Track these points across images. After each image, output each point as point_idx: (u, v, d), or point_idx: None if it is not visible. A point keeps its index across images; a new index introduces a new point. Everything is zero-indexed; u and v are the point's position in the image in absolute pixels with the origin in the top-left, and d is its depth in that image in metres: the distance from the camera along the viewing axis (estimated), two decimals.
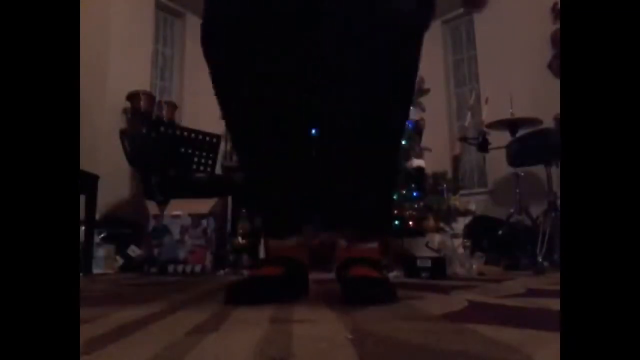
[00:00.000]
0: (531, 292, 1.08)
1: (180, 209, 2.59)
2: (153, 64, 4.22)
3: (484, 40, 4.43)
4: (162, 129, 3.19)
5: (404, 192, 2.49)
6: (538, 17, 3.91)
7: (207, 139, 3.20)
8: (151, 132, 3.15)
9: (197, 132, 3.17)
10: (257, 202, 1.13)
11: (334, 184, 1.04)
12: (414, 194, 2.51)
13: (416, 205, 2.47)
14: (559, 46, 3.60)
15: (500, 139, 3.04)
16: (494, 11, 4.27)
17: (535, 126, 3.04)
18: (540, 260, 2.24)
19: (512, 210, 2.91)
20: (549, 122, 3.01)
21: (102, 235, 2.94)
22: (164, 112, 3.69)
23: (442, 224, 2.52)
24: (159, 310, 0.77)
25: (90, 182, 2.51)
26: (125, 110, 3.71)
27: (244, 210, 2.77)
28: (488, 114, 3.26)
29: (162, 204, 2.68)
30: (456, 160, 3.32)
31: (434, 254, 2.07)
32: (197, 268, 2.47)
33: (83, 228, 2.46)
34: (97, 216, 2.69)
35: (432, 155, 2.85)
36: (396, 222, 2.38)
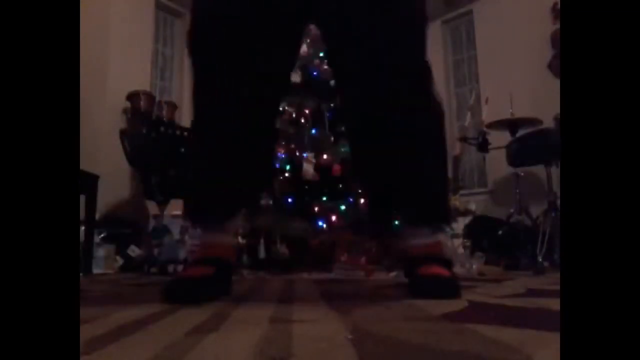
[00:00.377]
0: (531, 292, 1.08)
1: (180, 209, 2.59)
2: (153, 64, 4.22)
3: (484, 40, 4.43)
4: (162, 129, 3.19)
5: None
6: (538, 17, 3.91)
7: None
8: (151, 132, 3.15)
9: None
10: (202, 180, 1.09)
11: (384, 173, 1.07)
12: None
13: None
14: (559, 46, 3.60)
15: (500, 139, 3.04)
16: (494, 11, 4.28)
17: (535, 126, 3.04)
18: (540, 260, 2.23)
19: (512, 210, 2.91)
20: (549, 122, 3.01)
21: (102, 235, 2.94)
22: (164, 112, 3.69)
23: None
24: (159, 310, 0.77)
25: (90, 182, 2.51)
26: (125, 110, 3.71)
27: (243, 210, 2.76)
28: (488, 114, 3.26)
29: (162, 204, 2.68)
30: (456, 160, 3.32)
31: None
32: None
33: (83, 228, 2.46)
34: (97, 216, 2.69)
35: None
36: (396, 222, 2.38)
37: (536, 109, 3.25)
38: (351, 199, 2.71)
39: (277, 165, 2.81)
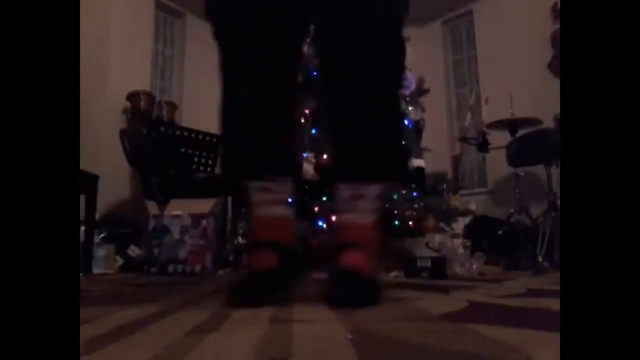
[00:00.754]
0: (531, 292, 1.08)
1: (180, 209, 2.59)
2: (153, 64, 4.21)
3: (484, 40, 4.43)
4: (162, 129, 3.19)
5: (404, 192, 2.48)
6: (538, 17, 3.91)
7: (207, 139, 3.20)
8: (151, 132, 3.15)
9: (197, 132, 3.17)
10: (238, 143, 1.05)
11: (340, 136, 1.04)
12: (414, 194, 2.51)
13: (416, 205, 2.47)
14: (559, 46, 3.60)
15: (500, 139, 3.04)
16: (494, 11, 4.28)
17: (535, 126, 3.04)
18: (540, 260, 2.23)
19: (512, 210, 2.91)
20: (549, 122, 3.01)
21: (102, 235, 2.94)
22: (164, 112, 3.69)
23: (442, 224, 2.52)
24: (159, 310, 0.77)
25: (90, 182, 2.51)
26: (125, 110, 3.71)
27: (243, 210, 2.77)
28: (488, 114, 3.26)
29: (162, 204, 2.68)
30: (456, 160, 3.32)
31: (434, 254, 2.07)
32: (197, 268, 2.47)
33: (83, 228, 2.46)
34: (97, 216, 2.69)
35: (432, 155, 2.85)
36: (396, 222, 2.38)
37: (536, 109, 3.25)
38: None
39: None
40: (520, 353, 0.42)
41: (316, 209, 2.67)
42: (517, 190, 2.85)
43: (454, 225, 2.63)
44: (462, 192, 2.95)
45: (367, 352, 0.44)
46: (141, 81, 3.86)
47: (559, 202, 2.48)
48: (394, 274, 2.02)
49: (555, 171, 2.59)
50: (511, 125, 3.12)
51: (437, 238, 2.29)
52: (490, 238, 2.83)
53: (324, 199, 2.72)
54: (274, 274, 0.92)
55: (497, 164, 3.45)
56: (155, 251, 2.55)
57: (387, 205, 2.39)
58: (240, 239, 2.69)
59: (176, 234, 2.56)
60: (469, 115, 3.54)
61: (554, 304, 0.79)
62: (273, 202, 1.01)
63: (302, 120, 2.90)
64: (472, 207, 2.92)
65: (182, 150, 3.10)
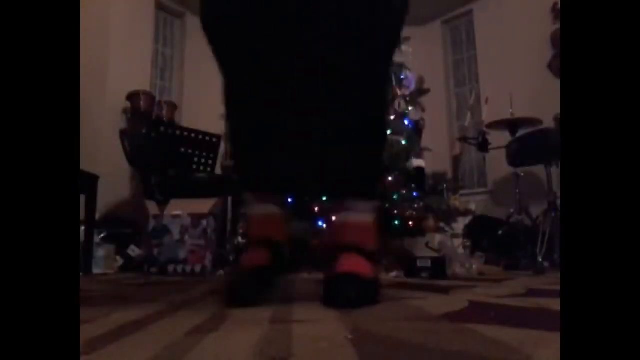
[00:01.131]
0: (531, 292, 1.08)
1: (180, 209, 2.59)
2: (153, 64, 4.22)
3: (484, 40, 4.43)
4: (162, 129, 3.19)
5: (404, 192, 2.48)
6: (538, 17, 3.91)
7: (207, 139, 3.20)
8: (151, 132, 3.15)
9: (197, 132, 3.17)
10: (247, 155, 1.08)
11: (323, 148, 1.02)
12: (414, 194, 2.51)
13: (416, 205, 2.47)
14: (559, 46, 3.60)
15: (500, 139, 3.04)
16: (494, 11, 4.29)
17: (535, 126, 3.04)
18: (540, 260, 2.24)
19: (512, 210, 2.91)
20: (549, 122, 3.01)
21: (102, 235, 2.94)
22: (164, 112, 3.69)
23: (442, 224, 2.52)
24: (159, 310, 0.77)
25: (90, 182, 2.51)
26: (125, 110, 3.71)
27: (243, 210, 2.77)
28: (488, 114, 3.27)
29: (162, 204, 2.68)
30: (456, 160, 3.32)
31: (434, 254, 2.07)
32: (197, 268, 2.47)
33: (83, 228, 2.46)
34: (97, 216, 2.69)
35: (432, 155, 2.85)
36: (396, 222, 2.38)
37: (536, 109, 3.25)
38: None
39: None
40: (520, 353, 0.42)
41: (316, 209, 2.67)
42: (517, 190, 2.85)
43: (454, 225, 2.63)
44: (462, 192, 2.95)
45: (367, 352, 0.44)
46: (141, 81, 3.86)
47: (559, 202, 2.48)
48: (394, 274, 2.02)
49: (555, 171, 2.59)
50: (511, 125, 3.12)
51: (437, 238, 2.29)
52: (490, 238, 2.84)
53: (324, 199, 2.72)
54: (264, 271, 0.94)
55: (497, 164, 3.45)
56: (155, 251, 2.56)
57: (387, 205, 2.39)
58: (240, 239, 2.70)
59: (176, 234, 2.56)
60: (469, 115, 3.55)
61: (554, 304, 0.79)
62: (264, 200, 1.04)
63: None
64: (472, 207, 2.92)
65: (182, 150, 3.10)
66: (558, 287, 1.13)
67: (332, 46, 1.01)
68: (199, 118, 3.68)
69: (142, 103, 3.61)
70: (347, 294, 0.81)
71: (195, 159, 3.16)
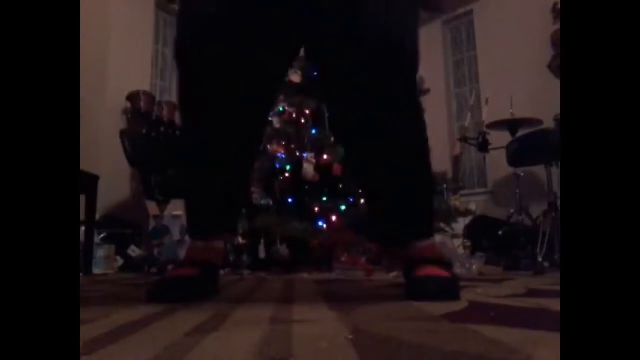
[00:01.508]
0: (531, 292, 1.08)
1: (180, 209, 2.59)
2: (153, 64, 4.22)
3: (484, 40, 4.43)
4: (162, 129, 3.19)
5: None
6: (538, 17, 3.91)
7: None
8: (151, 132, 3.15)
9: None
10: (192, 199, 1.14)
11: (375, 198, 1.11)
12: None
13: None
14: (559, 46, 3.60)
15: (500, 139, 3.04)
16: (494, 11, 4.29)
17: (535, 126, 3.04)
18: (540, 260, 2.24)
19: (512, 210, 2.91)
20: (549, 122, 3.01)
21: (102, 235, 2.94)
22: (164, 112, 3.69)
23: (442, 224, 2.52)
24: (159, 310, 0.77)
25: (90, 182, 2.51)
26: (125, 110, 3.71)
27: (243, 211, 2.77)
28: (488, 114, 3.27)
29: (162, 204, 2.68)
30: (456, 160, 3.33)
31: None
32: None
33: (83, 228, 2.46)
34: (97, 216, 2.69)
35: (432, 155, 2.84)
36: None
37: (536, 109, 3.25)
38: (351, 199, 2.71)
39: (277, 165, 2.81)
40: (520, 353, 0.42)
41: (316, 209, 2.67)
42: (517, 190, 2.85)
43: (454, 225, 2.63)
44: (462, 192, 2.96)
45: (367, 352, 0.44)
46: (141, 81, 3.86)
47: (559, 202, 2.48)
48: (394, 274, 2.02)
49: (555, 171, 2.59)
50: (511, 125, 3.12)
51: (437, 238, 2.29)
52: (490, 238, 2.83)
53: (324, 199, 2.73)
54: (185, 280, 0.97)
55: (497, 164, 3.45)
56: (155, 251, 2.56)
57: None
58: (240, 239, 2.70)
59: (176, 234, 2.56)
60: (469, 115, 3.55)
61: (554, 304, 0.79)
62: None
63: (302, 120, 2.91)
64: (472, 207, 2.92)
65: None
66: (558, 287, 1.13)
67: (332, 46, 1.01)
68: None
69: (142, 103, 3.61)
70: (431, 289, 0.89)
71: None
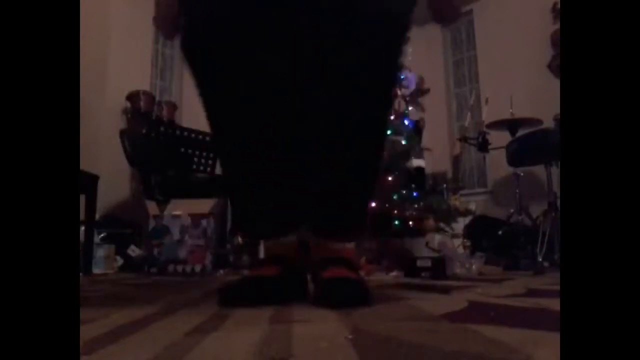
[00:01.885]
0: (531, 292, 1.08)
1: (180, 209, 2.59)
2: (153, 64, 4.22)
3: (484, 40, 4.43)
4: (162, 129, 3.19)
5: (404, 192, 2.48)
6: (538, 17, 3.91)
7: (207, 139, 3.20)
8: (151, 132, 3.15)
9: (197, 132, 3.17)
10: (245, 207, 1.09)
11: (313, 181, 1.01)
12: (414, 194, 2.51)
13: (416, 205, 2.47)
14: (559, 46, 3.60)
15: (500, 139, 3.04)
16: (494, 11, 4.28)
17: (535, 126, 3.04)
18: (540, 260, 2.24)
19: (512, 210, 2.91)
20: (549, 122, 3.01)
21: (102, 235, 2.94)
22: (164, 112, 3.69)
23: (442, 224, 2.52)
24: (159, 310, 0.77)
25: (90, 182, 2.51)
26: (125, 110, 3.71)
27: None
28: (488, 114, 3.27)
29: (162, 204, 2.68)
30: (456, 160, 3.32)
31: (434, 254, 2.07)
32: (197, 268, 2.48)
33: (83, 228, 2.46)
34: (97, 216, 2.69)
35: (432, 155, 2.85)
36: (396, 222, 2.38)
37: (536, 109, 3.25)
38: None
39: None
40: (520, 353, 0.42)
41: None
42: (517, 190, 2.85)
43: (454, 225, 2.63)
44: (462, 192, 2.95)
45: (367, 352, 0.44)
46: (141, 81, 3.86)
47: (559, 202, 2.48)
48: (394, 274, 2.02)
49: (555, 171, 2.59)
50: (511, 125, 3.12)
51: (437, 238, 2.29)
52: (490, 238, 2.84)
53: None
54: (273, 279, 0.93)
55: (497, 164, 3.45)
56: (155, 251, 2.56)
57: (387, 205, 2.39)
58: (240, 239, 2.70)
59: (176, 234, 2.56)
60: (469, 115, 3.55)
61: (554, 304, 0.79)
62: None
63: None
64: (472, 207, 2.92)
65: (182, 150, 3.10)
66: (558, 287, 1.13)
67: (332, 46, 1.01)
68: (199, 118, 3.65)
69: (142, 103, 3.61)
70: (338, 293, 0.83)
71: (195, 159, 3.16)
